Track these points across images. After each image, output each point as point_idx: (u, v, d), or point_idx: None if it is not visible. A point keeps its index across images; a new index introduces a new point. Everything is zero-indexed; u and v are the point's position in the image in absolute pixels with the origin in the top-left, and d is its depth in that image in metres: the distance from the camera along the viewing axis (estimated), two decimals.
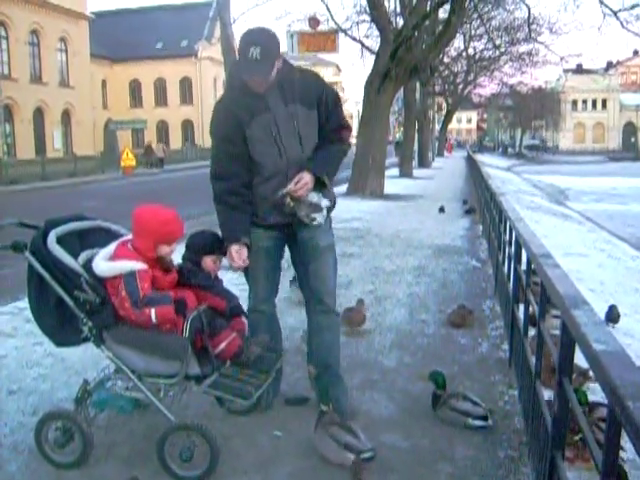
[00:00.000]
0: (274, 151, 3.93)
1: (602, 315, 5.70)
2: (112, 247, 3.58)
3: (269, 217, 4.07)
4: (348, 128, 4.24)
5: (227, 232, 3.99)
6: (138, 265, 3.44)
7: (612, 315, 6.45)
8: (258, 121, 3.87)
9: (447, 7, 19.40)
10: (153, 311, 3.36)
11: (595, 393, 4.11)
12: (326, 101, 4.03)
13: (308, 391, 4.50)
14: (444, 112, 59.05)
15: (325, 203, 4.00)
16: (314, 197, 3.95)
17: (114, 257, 3.51)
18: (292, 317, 6.28)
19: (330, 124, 4.08)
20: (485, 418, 4.13)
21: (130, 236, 3.64)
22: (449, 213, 16.28)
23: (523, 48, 39.72)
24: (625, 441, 2.30)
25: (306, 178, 3.89)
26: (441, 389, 4.31)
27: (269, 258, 4.23)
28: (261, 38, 3.74)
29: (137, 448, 3.81)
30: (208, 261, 3.92)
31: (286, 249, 4.38)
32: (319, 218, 3.97)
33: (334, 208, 4.29)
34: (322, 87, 4.08)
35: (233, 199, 3.99)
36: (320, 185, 3.99)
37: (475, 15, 29.92)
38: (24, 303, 5.57)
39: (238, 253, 3.87)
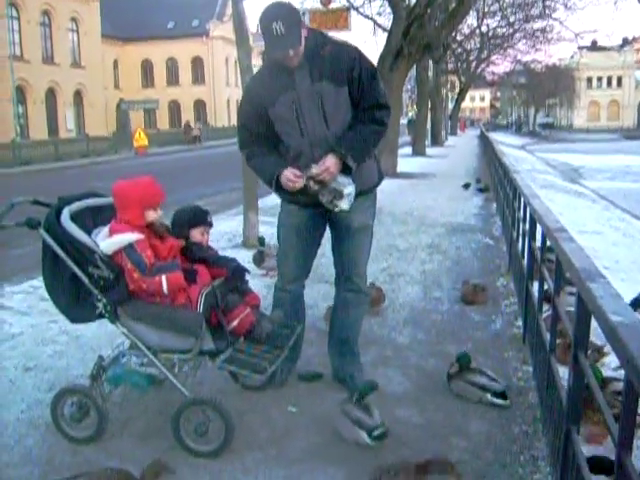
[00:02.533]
0: (296, 130, 3.85)
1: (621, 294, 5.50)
2: (108, 226, 3.60)
3: (300, 197, 3.94)
4: (385, 107, 3.92)
5: (269, 169, 3.89)
6: (134, 236, 3.47)
7: (638, 302, 5.72)
8: (282, 100, 3.80)
9: None
10: (164, 277, 3.38)
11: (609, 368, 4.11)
12: (360, 77, 3.80)
13: (322, 367, 4.52)
14: (457, 90, 58.62)
15: (349, 190, 3.81)
16: (339, 182, 3.79)
17: (110, 234, 3.53)
18: (308, 294, 6.28)
19: (364, 102, 3.85)
20: (504, 396, 4.12)
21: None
22: (462, 191, 16.21)
23: (537, 25, 39.16)
24: None
25: (328, 162, 3.74)
26: (466, 369, 4.28)
27: (300, 237, 4.17)
28: (281, 12, 3.65)
29: (152, 423, 3.84)
30: (196, 234, 3.89)
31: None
32: (342, 205, 3.81)
33: (378, 185, 4.19)
34: (355, 62, 3.82)
35: (262, 149, 3.96)
36: (346, 169, 3.81)
37: None
38: (39, 282, 5.60)
39: (292, 173, 3.75)
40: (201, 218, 3.93)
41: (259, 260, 7.16)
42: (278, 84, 3.82)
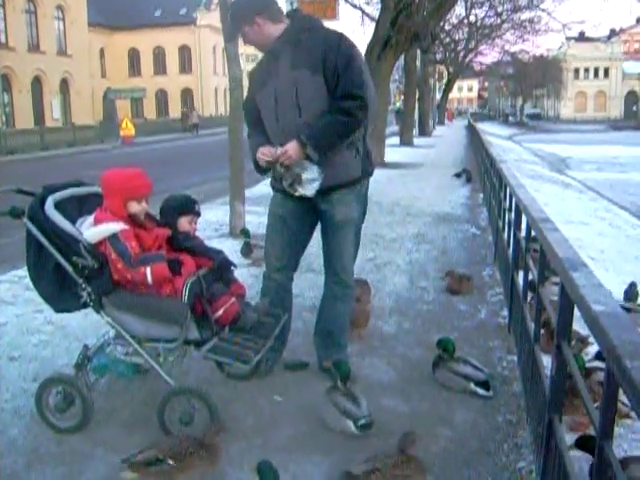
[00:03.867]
0: (272, 116, 3.95)
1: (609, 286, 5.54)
2: (93, 215, 3.59)
3: (275, 183, 4.11)
4: (356, 98, 3.77)
5: (254, 149, 4.03)
6: (118, 226, 3.46)
7: (631, 294, 5.89)
8: (266, 87, 3.95)
9: None
10: (148, 269, 3.37)
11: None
12: (334, 64, 3.74)
13: (308, 356, 4.53)
14: (445, 80, 58.58)
15: (307, 175, 3.83)
16: (302, 168, 3.83)
17: (95, 223, 3.52)
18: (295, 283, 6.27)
19: (337, 90, 3.77)
20: (487, 386, 4.14)
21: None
22: (449, 181, 16.24)
23: (525, 15, 39.17)
24: None
25: (288, 147, 3.79)
26: (451, 356, 4.29)
27: (285, 227, 4.19)
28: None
29: (137, 412, 3.83)
30: (184, 222, 3.87)
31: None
32: (302, 190, 3.86)
33: (371, 175, 4.20)
34: (330, 48, 3.76)
35: (258, 131, 4.11)
36: (310, 157, 3.81)
37: None
38: (24, 271, 5.57)
39: (264, 149, 3.92)
40: (189, 207, 3.91)
41: (247, 252, 7.15)
42: (266, 70, 3.98)
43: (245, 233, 7.52)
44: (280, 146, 3.85)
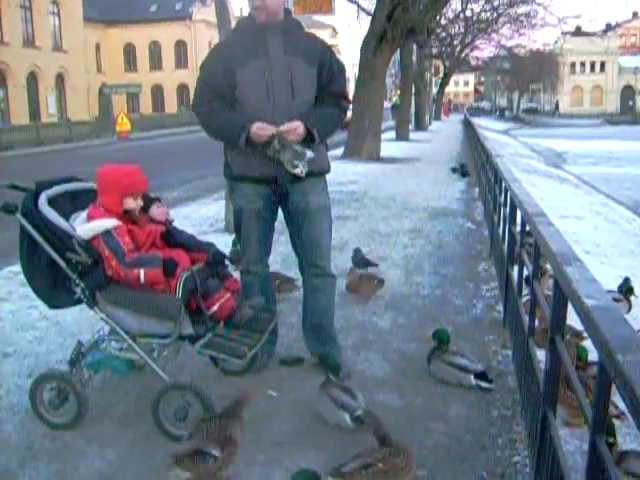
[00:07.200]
0: (263, 93, 3.96)
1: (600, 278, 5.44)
2: (86, 211, 3.58)
3: (257, 167, 4.04)
4: (348, 100, 4.34)
5: (235, 124, 3.96)
6: (112, 222, 3.46)
7: (624, 288, 5.75)
8: (254, 64, 3.94)
9: None
10: (142, 272, 3.37)
11: (590, 352, 4.13)
12: (330, 64, 4.08)
13: (303, 352, 4.52)
14: (441, 75, 58.60)
15: (309, 154, 3.96)
16: (299, 147, 3.94)
17: (88, 219, 3.52)
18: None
19: (331, 88, 4.11)
20: (487, 378, 4.13)
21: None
22: (445, 176, 16.24)
23: (521, 9, 39.21)
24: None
25: (297, 123, 3.89)
26: (446, 346, 4.30)
27: (260, 220, 4.19)
28: None
29: (132, 408, 3.83)
30: (155, 210, 3.89)
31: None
32: (301, 166, 3.95)
33: (328, 172, 4.30)
34: (328, 50, 4.16)
35: (221, 106, 4.02)
36: (310, 141, 3.98)
37: None
38: (18, 267, 5.55)
39: (259, 126, 3.86)
40: (147, 197, 3.89)
41: (236, 260, 6.79)
42: (250, 48, 3.97)
43: (234, 242, 7.17)
44: (274, 123, 3.89)
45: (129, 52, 62.81)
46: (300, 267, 4.45)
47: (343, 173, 15.13)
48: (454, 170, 16.71)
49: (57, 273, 3.57)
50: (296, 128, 3.87)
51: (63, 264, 3.49)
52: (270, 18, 3.95)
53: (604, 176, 25.78)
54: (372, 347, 4.85)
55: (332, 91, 4.11)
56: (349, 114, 13.96)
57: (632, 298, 5.64)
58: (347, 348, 4.67)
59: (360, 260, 6.54)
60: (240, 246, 4.43)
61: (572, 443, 3.42)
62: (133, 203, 3.61)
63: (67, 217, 3.59)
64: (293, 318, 5.10)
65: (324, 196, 4.28)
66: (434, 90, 56.66)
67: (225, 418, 3.12)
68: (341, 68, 4.18)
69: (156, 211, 3.90)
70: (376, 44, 18.37)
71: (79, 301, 3.61)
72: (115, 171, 3.65)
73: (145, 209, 3.82)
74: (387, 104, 41.16)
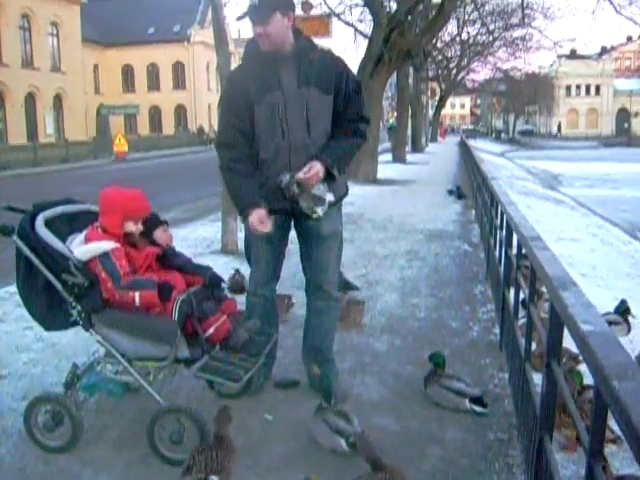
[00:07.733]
0: (277, 131, 3.83)
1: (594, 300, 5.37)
2: (85, 232, 3.59)
3: (273, 201, 3.87)
4: (366, 120, 4.06)
5: (243, 199, 3.85)
6: (110, 245, 3.47)
7: (621, 310, 5.72)
8: (268, 99, 3.78)
9: None
10: (137, 295, 3.37)
11: (585, 376, 4.12)
12: (346, 88, 3.89)
13: (299, 374, 4.51)
14: (437, 97, 58.84)
15: (329, 197, 3.86)
16: (320, 189, 3.83)
17: (86, 241, 3.52)
18: None
19: (348, 113, 3.94)
20: (481, 402, 4.12)
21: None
22: (442, 198, 16.28)
23: (517, 33, 39.56)
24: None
25: (317, 167, 3.76)
26: (442, 370, 4.29)
27: (270, 244, 4.14)
28: None
29: (127, 431, 3.81)
30: (160, 234, 3.91)
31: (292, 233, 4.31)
32: (320, 211, 3.85)
33: (346, 196, 4.25)
34: (343, 72, 3.92)
35: (241, 167, 3.88)
36: (328, 178, 3.85)
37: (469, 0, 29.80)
38: (14, 288, 5.55)
39: (259, 218, 3.72)
40: (156, 218, 3.96)
41: (237, 290, 6.43)
42: (264, 80, 3.80)
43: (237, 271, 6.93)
44: (289, 165, 3.81)
45: (127, 73, 63.00)
46: (307, 288, 4.43)
47: None
48: (450, 192, 16.82)
49: (53, 295, 3.56)
50: (316, 173, 3.76)
51: (59, 286, 3.49)
52: (275, 45, 3.76)
53: (600, 198, 25.88)
54: (368, 370, 4.84)
55: (349, 117, 3.94)
56: None
57: (630, 319, 5.63)
58: (343, 371, 4.65)
59: (341, 283, 6.04)
60: (251, 268, 4.42)
61: (569, 468, 3.41)
62: (134, 227, 3.63)
63: (64, 239, 3.60)
64: (290, 341, 5.09)
65: (337, 222, 4.22)
66: (430, 112, 56.92)
67: (217, 450, 3.10)
68: (358, 87, 3.99)
69: (161, 234, 3.90)
70: (373, 67, 18.47)
71: (75, 323, 3.60)
72: (120, 193, 3.67)
73: (146, 232, 3.83)
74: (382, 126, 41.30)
